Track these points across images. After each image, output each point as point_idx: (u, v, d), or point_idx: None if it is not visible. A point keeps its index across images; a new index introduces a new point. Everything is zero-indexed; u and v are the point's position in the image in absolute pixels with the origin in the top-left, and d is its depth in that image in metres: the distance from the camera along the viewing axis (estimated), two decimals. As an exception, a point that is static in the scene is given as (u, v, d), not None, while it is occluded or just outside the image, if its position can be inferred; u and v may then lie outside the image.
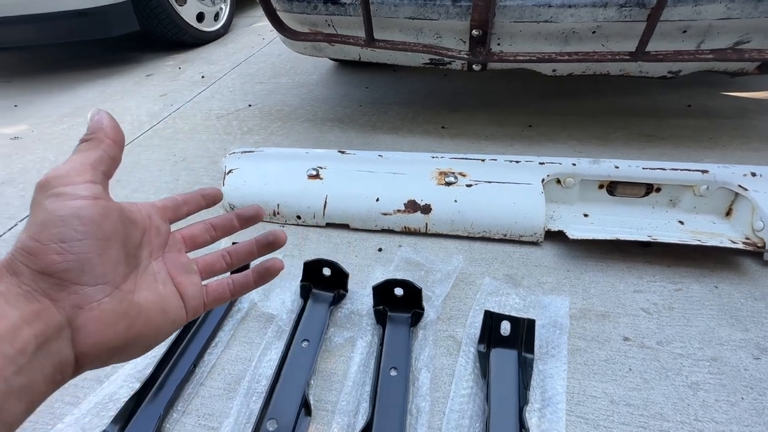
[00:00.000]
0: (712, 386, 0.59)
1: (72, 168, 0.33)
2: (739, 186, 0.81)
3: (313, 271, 0.75)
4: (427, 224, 0.89)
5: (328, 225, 0.94)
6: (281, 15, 1.14)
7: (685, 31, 0.90)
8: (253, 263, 0.46)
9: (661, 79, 1.06)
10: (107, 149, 0.36)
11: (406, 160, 0.96)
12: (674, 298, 0.72)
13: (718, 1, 0.82)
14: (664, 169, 0.85)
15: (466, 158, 0.94)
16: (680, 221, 0.86)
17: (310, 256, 0.86)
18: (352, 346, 0.67)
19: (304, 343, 0.67)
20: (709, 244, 0.74)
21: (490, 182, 0.89)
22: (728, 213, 0.85)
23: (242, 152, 1.05)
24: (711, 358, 0.63)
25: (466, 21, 0.96)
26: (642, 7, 0.85)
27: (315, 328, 0.69)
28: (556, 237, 0.85)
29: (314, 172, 0.97)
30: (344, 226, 0.93)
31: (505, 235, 0.86)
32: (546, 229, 0.85)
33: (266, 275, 0.44)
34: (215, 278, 0.43)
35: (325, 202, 0.93)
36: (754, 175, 0.82)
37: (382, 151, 0.99)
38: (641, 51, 0.89)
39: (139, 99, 1.77)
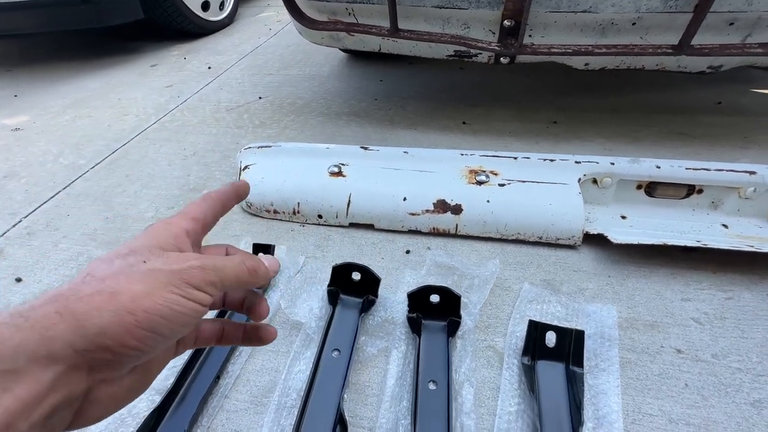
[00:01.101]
0: (776, 405, 0.55)
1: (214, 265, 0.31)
2: (790, 188, 0.77)
3: (341, 276, 0.70)
4: (457, 225, 0.84)
5: (351, 225, 0.90)
6: (299, 2, 1.08)
7: (732, 24, 0.85)
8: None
9: (699, 74, 1.01)
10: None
11: (434, 158, 0.91)
12: (726, 308, 0.68)
13: (771, -8, 0.78)
14: (708, 170, 0.81)
15: (497, 156, 0.90)
16: (724, 225, 0.82)
17: (334, 258, 0.82)
18: (387, 356, 0.63)
19: (335, 353, 0.63)
20: (763, 250, 0.70)
21: (524, 182, 0.85)
22: (775, 217, 0.81)
23: (258, 147, 1.00)
24: (772, 373, 0.59)
25: (498, 11, 0.91)
26: (690, -3, 0.80)
27: (346, 336, 0.65)
28: (592, 240, 0.81)
29: (336, 169, 0.92)
30: (368, 227, 0.89)
31: (540, 238, 0.82)
32: (585, 231, 0.80)
33: (255, 341, 0.41)
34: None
35: (349, 200, 0.88)
36: (805, 176, 0.78)
37: (407, 148, 0.94)
38: (686, 44, 0.84)
39: (144, 90, 1.71)
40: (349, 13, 1.07)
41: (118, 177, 1.14)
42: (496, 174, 0.87)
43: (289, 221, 0.92)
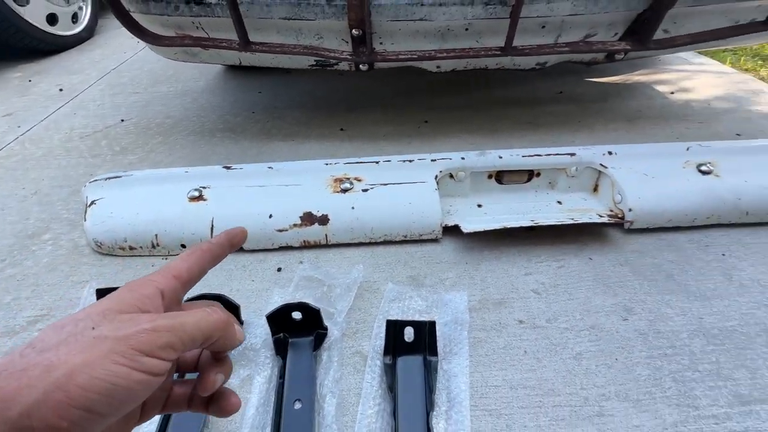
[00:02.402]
0: (592, 353, 0.65)
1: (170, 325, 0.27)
2: (601, 165, 0.91)
3: None
4: (326, 235, 0.85)
5: (220, 250, 0.85)
6: (137, 17, 1.00)
7: (543, 27, 0.98)
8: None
9: (531, 70, 1.15)
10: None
11: (299, 170, 0.91)
12: (558, 275, 0.78)
13: (565, -1, 0.91)
14: (539, 155, 0.92)
15: (361, 162, 0.92)
16: (558, 201, 0.94)
17: (200, 288, 0.77)
18: (249, 385, 0.61)
19: (194, 393, 0.59)
20: (580, 221, 0.82)
21: (385, 184, 0.88)
22: (595, 189, 0.95)
23: (106, 179, 0.90)
24: (590, 326, 0.69)
25: (343, 21, 0.93)
26: (504, 5, 0.90)
27: (205, 373, 0.61)
28: (454, 231, 0.87)
29: (196, 194, 0.87)
30: (238, 250, 0.85)
31: (405, 237, 0.86)
32: (443, 225, 0.86)
33: (218, 412, 0.35)
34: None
35: (212, 225, 0.84)
36: (611, 153, 0.92)
37: (272, 163, 0.93)
38: (509, 46, 0.95)
39: (-28, 122, 1.45)
40: (197, 27, 1.02)
41: (-70, 232, 0.94)
42: (360, 180, 0.89)
43: (149, 256, 0.85)
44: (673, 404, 0.58)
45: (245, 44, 0.96)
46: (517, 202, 0.94)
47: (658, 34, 1.01)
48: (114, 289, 0.69)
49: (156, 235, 0.84)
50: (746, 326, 0.67)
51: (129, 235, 0.84)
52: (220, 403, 0.34)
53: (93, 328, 0.26)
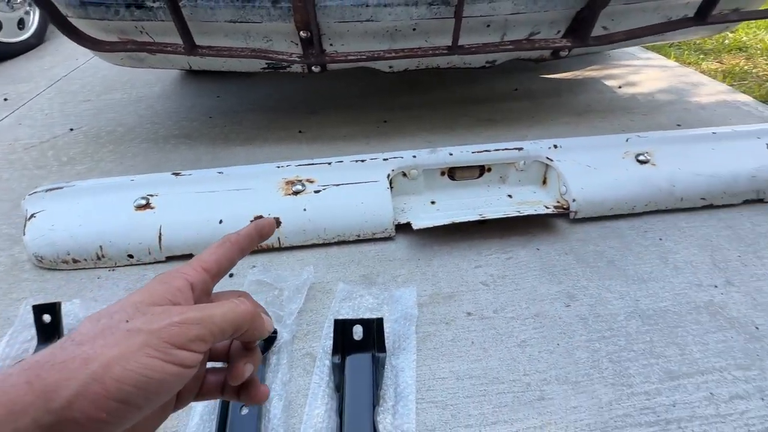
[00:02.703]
0: (536, 340, 0.67)
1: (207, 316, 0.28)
2: (547, 158, 0.94)
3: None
4: (279, 239, 0.84)
5: (170, 258, 0.84)
6: (76, 22, 0.97)
7: (488, 26, 1.00)
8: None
9: (481, 68, 1.17)
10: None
11: (250, 174, 0.90)
12: (506, 267, 0.80)
13: (506, -2, 0.93)
14: (489, 151, 0.94)
15: (313, 163, 0.92)
16: (509, 195, 0.96)
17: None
18: (195, 393, 0.60)
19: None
20: (525, 213, 0.84)
21: (338, 185, 0.88)
22: (544, 182, 0.98)
23: (47, 190, 0.87)
24: (535, 314, 0.71)
25: (290, 23, 0.93)
26: (447, 5, 0.92)
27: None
28: (408, 228, 0.89)
29: (143, 202, 0.85)
30: (189, 257, 0.84)
31: (359, 236, 0.87)
32: (396, 222, 0.87)
33: (248, 400, 0.35)
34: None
35: (160, 233, 0.82)
36: (556, 147, 0.96)
37: (222, 168, 0.91)
38: (456, 45, 0.97)
39: None
40: (141, 32, 0.99)
41: None
42: (312, 181, 0.89)
43: (94, 268, 0.82)
44: (608, 384, 0.61)
45: (191, 48, 0.95)
46: (469, 197, 0.96)
47: (598, 31, 1.06)
48: (52, 305, 0.67)
49: (101, 247, 0.81)
50: (678, 305, 0.71)
51: (72, 247, 0.81)
52: (249, 391, 0.34)
53: (127, 321, 0.26)
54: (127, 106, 1.50)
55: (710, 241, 0.84)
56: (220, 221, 0.83)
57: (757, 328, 0.67)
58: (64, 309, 0.70)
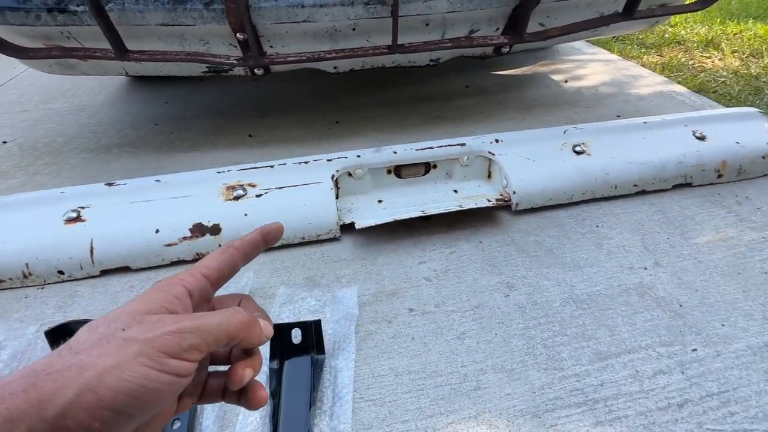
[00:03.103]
0: (475, 331, 0.68)
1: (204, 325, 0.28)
2: (489, 152, 0.96)
3: (64, 339, 0.61)
4: (220, 245, 0.82)
5: (104, 272, 0.80)
6: (-5, 29, 0.91)
7: (427, 24, 1.02)
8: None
9: (426, 66, 1.19)
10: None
11: (190, 181, 0.88)
12: (450, 261, 0.81)
13: (441, -3, 0.95)
14: (432, 148, 0.95)
15: (255, 167, 0.90)
16: (455, 190, 0.98)
17: (81, 317, 0.72)
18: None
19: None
20: (466, 207, 0.86)
21: (280, 188, 0.87)
22: (489, 176, 1.00)
23: (-34, 208, 0.82)
24: (475, 306, 0.72)
25: (225, 25, 0.91)
26: (383, 4, 0.92)
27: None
28: (354, 228, 0.88)
29: (74, 215, 0.81)
30: (124, 269, 0.81)
31: (303, 239, 0.86)
32: (341, 223, 0.87)
33: (247, 404, 0.34)
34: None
35: (92, 247, 0.78)
36: (498, 141, 0.98)
37: (160, 176, 0.88)
38: (395, 44, 0.97)
39: None
40: (68, 37, 0.95)
41: None
42: (254, 186, 0.88)
43: (21, 287, 0.78)
44: (542, 369, 0.62)
45: (121, 53, 0.91)
46: (416, 194, 0.97)
47: (535, 27, 1.09)
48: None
49: (27, 264, 0.77)
50: (610, 288, 0.74)
51: (-6, 267, 0.76)
52: (248, 395, 0.34)
53: (123, 330, 0.26)
54: (67, 116, 1.43)
55: (642, 226, 0.88)
56: (157, 231, 0.80)
57: (681, 305, 0.71)
58: (-17, 333, 0.66)
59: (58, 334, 0.61)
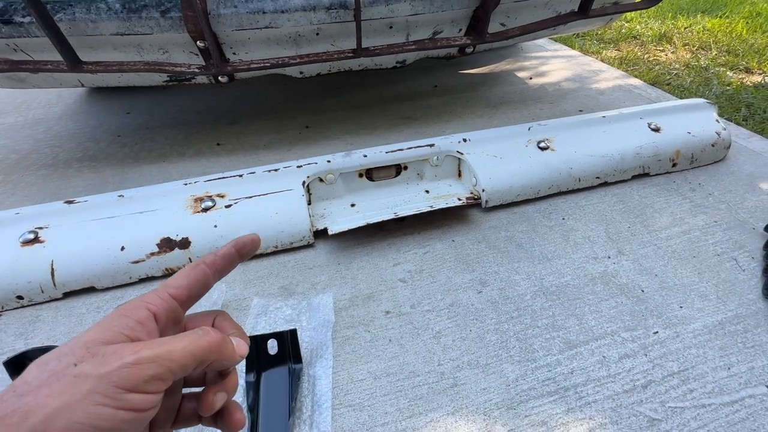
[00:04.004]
0: (450, 329, 0.69)
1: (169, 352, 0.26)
2: (457, 152, 0.98)
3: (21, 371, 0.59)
4: (190, 259, 0.80)
5: (67, 294, 0.77)
6: (-69, 43, 0.86)
7: (391, 27, 1.02)
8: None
9: (393, 68, 1.20)
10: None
11: (155, 194, 0.85)
12: (424, 261, 0.82)
13: (403, 0, 0.95)
14: (402, 150, 0.96)
15: (224, 177, 0.89)
16: (426, 190, 0.99)
17: (44, 342, 0.69)
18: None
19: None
20: (438, 207, 0.87)
21: (250, 197, 0.86)
22: (459, 175, 1.02)
23: None
24: (450, 304, 0.74)
25: (184, 33, 0.89)
26: (345, 9, 0.92)
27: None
28: (327, 234, 0.88)
29: (31, 236, 0.77)
30: (90, 290, 0.78)
31: (276, 247, 0.85)
32: (314, 229, 0.86)
33: (224, 428, 0.33)
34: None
35: (52, 269, 0.75)
36: (466, 140, 1.00)
37: (123, 191, 0.86)
38: (360, 47, 0.98)
39: None
40: (14, 50, 0.90)
41: None
42: (223, 196, 0.86)
43: (-24, 317, 0.74)
44: (515, 361, 0.64)
45: (74, 65, 0.88)
46: (389, 196, 0.97)
47: (496, 27, 1.12)
48: None
49: (-19, 291, 0.73)
50: (577, 279, 0.77)
51: (-55, 296, 0.72)
52: (225, 419, 0.33)
53: (75, 365, 0.24)
54: (21, 131, 1.36)
55: (605, 216, 0.91)
56: (122, 248, 0.78)
57: (642, 291, 0.74)
58: (-65, 367, 0.62)
59: (18, 365, 0.58)
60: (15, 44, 0.89)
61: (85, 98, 1.58)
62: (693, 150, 1.03)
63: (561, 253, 0.83)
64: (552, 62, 1.75)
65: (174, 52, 0.96)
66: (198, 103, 1.50)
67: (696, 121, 1.06)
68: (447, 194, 0.97)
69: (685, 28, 2.18)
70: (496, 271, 0.80)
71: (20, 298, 0.75)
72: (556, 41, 1.99)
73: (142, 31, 0.88)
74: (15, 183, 1.10)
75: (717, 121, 1.08)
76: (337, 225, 0.84)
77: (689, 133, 1.04)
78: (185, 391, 0.34)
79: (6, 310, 0.75)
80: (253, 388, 0.60)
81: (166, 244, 0.79)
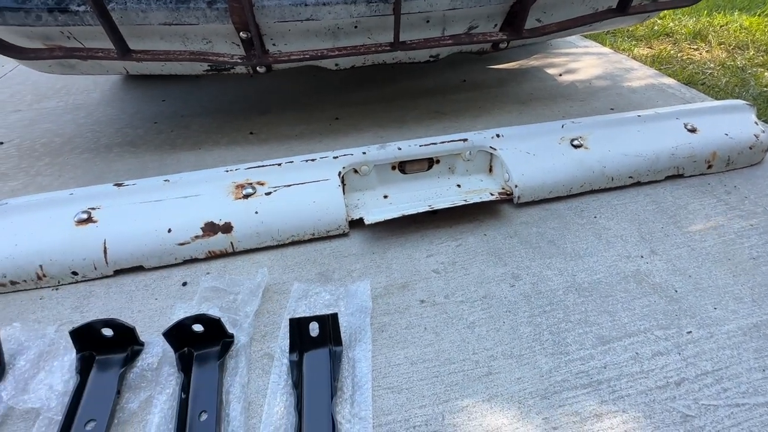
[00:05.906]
0: (484, 320, 0.71)
1: None
2: (490, 147, 0.99)
3: (88, 338, 0.63)
4: (232, 243, 0.84)
5: (118, 272, 0.81)
6: (-6, 29, 0.90)
7: (428, 21, 1.03)
8: None
9: (426, 63, 1.20)
10: None
11: (198, 180, 0.89)
12: (456, 253, 0.84)
13: (442, -6, 0.96)
14: (435, 143, 0.98)
15: (263, 165, 0.92)
16: (458, 184, 1.00)
17: (98, 316, 0.74)
18: (150, 406, 0.60)
19: (90, 425, 0.57)
20: (471, 201, 0.89)
21: (289, 186, 0.89)
22: (491, 170, 1.03)
23: (-25, 211, 0.82)
24: (483, 296, 0.75)
25: (228, 24, 0.91)
26: (385, 2, 0.94)
27: (102, 402, 0.59)
28: (362, 223, 0.90)
29: (85, 216, 0.81)
30: (138, 269, 0.82)
31: (313, 235, 0.88)
32: (349, 219, 0.89)
33: None
34: None
35: (105, 248, 0.79)
36: (499, 136, 1.00)
37: (168, 175, 0.89)
38: (397, 41, 0.99)
39: None
40: (68, 37, 0.94)
41: None
42: (262, 184, 0.89)
43: (35, 289, 0.79)
44: (548, 354, 0.66)
45: (124, 53, 0.91)
46: (420, 189, 0.99)
47: (533, 23, 1.11)
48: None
49: (41, 266, 0.78)
50: (609, 276, 0.78)
51: (8, 269, 0.77)
52: None
53: None
54: (63, 115, 1.42)
55: (638, 216, 0.91)
56: (169, 230, 0.82)
57: (676, 291, 0.75)
58: (4, 334, 0.67)
59: (84, 335, 0.63)
60: (69, 32, 0.93)
61: (120, 85, 1.63)
62: (730, 152, 1.02)
63: (593, 250, 0.84)
64: (582, 59, 1.72)
65: (217, 42, 0.98)
66: (229, 93, 1.54)
67: (734, 123, 1.05)
68: (479, 189, 0.98)
69: (720, 26, 2.12)
70: (528, 265, 0.81)
71: (75, 273, 0.79)
72: (586, 38, 1.96)
73: (188, 21, 0.91)
74: (61, 165, 1.16)
75: (756, 123, 1.06)
76: (372, 215, 0.86)
77: (727, 134, 1.03)
78: None
79: (62, 285, 0.80)
80: (296, 367, 0.64)
81: (210, 228, 0.83)
